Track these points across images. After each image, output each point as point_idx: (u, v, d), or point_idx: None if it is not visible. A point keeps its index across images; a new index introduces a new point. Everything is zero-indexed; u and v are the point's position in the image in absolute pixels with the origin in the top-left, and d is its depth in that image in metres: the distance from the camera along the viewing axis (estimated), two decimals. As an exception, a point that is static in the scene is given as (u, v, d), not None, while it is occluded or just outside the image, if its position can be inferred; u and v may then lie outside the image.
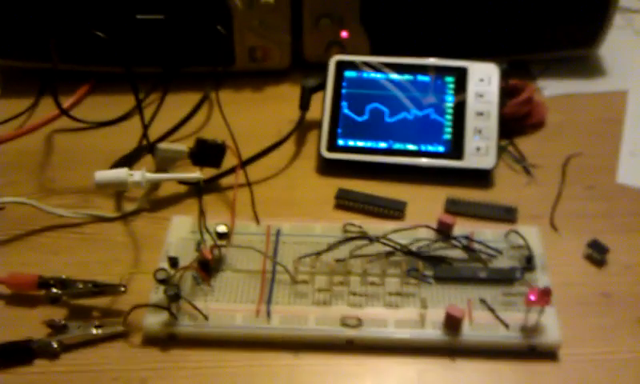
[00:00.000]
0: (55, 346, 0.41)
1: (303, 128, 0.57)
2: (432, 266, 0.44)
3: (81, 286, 0.43)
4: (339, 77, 0.55)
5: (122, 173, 0.47)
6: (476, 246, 0.46)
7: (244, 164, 0.51)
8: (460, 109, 0.53)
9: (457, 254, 0.45)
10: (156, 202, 0.51)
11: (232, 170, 0.51)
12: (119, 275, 0.44)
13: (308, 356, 0.41)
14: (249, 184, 0.50)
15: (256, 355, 0.41)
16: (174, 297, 0.41)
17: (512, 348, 0.41)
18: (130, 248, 0.48)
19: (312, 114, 0.56)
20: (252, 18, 0.58)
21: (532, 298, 0.40)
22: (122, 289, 0.43)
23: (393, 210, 0.49)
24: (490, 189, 0.52)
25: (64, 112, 0.56)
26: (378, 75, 0.55)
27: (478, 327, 0.42)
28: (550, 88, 0.61)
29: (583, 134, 0.57)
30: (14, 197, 0.50)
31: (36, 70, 0.60)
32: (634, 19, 0.70)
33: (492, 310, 0.42)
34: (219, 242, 0.45)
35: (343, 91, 0.55)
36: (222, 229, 0.45)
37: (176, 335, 0.42)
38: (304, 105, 0.55)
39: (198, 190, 0.50)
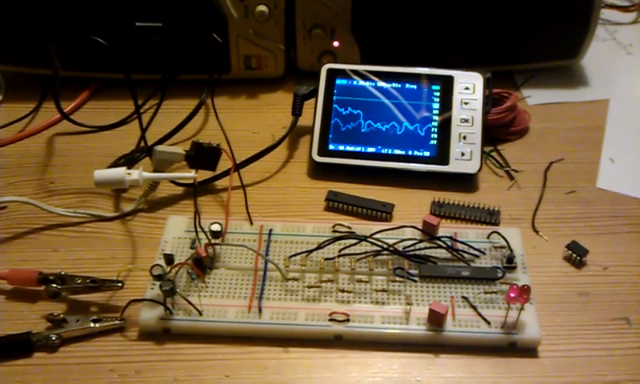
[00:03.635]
0: (54, 339, 0.42)
1: (296, 133, 0.58)
2: (417, 265, 0.46)
3: (80, 281, 0.45)
4: (330, 84, 0.57)
5: (119, 171, 0.48)
6: (459, 246, 0.47)
7: (238, 167, 0.53)
8: (446, 116, 0.55)
9: (441, 253, 0.47)
10: (153, 203, 0.53)
11: (227, 173, 0.53)
12: (117, 272, 0.45)
13: (297, 350, 0.43)
14: (243, 186, 0.52)
15: (247, 349, 0.43)
16: (169, 292, 0.43)
17: (493, 344, 0.43)
18: (128, 246, 0.49)
19: (304, 119, 0.57)
20: (247, 27, 0.60)
21: (512, 294, 0.41)
22: (119, 285, 0.44)
23: (381, 212, 0.51)
24: (474, 192, 0.54)
25: (65, 116, 0.58)
26: (368, 83, 0.57)
27: (461, 323, 0.43)
28: (534, 97, 0.63)
29: (565, 140, 0.58)
30: (16, 196, 0.51)
31: (38, 75, 0.62)
32: (615, 31, 0.72)
33: (474, 308, 0.44)
34: (213, 241, 0.46)
35: (334, 98, 0.56)
36: (216, 227, 0.46)
37: (171, 329, 0.43)
38: (296, 111, 0.57)
39: (193, 190, 0.51)
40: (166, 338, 0.43)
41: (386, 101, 0.56)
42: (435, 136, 0.55)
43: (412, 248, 0.47)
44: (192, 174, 0.49)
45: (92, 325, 0.43)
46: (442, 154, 0.54)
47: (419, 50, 0.61)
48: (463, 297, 0.44)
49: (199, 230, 0.46)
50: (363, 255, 0.46)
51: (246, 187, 0.52)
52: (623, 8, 0.74)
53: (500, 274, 0.45)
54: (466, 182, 0.54)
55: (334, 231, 0.49)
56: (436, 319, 0.43)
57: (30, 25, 0.59)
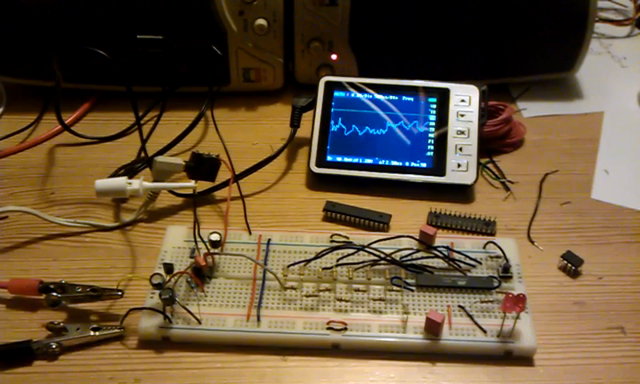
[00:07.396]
0: (54, 347, 0.43)
1: (294, 144, 0.59)
2: (414, 275, 0.46)
3: (80, 290, 0.45)
4: (328, 97, 0.57)
5: (120, 181, 0.48)
6: (456, 255, 0.48)
7: (237, 177, 0.53)
8: (442, 128, 0.56)
9: (438, 263, 0.47)
10: (152, 213, 0.53)
11: (226, 183, 0.53)
12: (117, 281, 0.45)
13: (295, 358, 0.43)
14: (242, 196, 0.52)
15: (246, 357, 0.43)
16: (169, 301, 0.43)
17: (489, 352, 0.43)
18: (128, 255, 0.49)
19: (302, 131, 0.58)
20: (246, 40, 0.61)
21: (508, 303, 0.42)
22: (119, 293, 0.45)
23: (378, 222, 0.51)
24: (470, 203, 0.54)
25: (66, 127, 0.58)
26: (365, 95, 0.58)
27: (457, 332, 0.43)
28: (529, 109, 0.63)
29: (560, 152, 0.59)
30: (17, 206, 0.51)
31: (40, 87, 0.63)
32: (609, 45, 0.73)
33: (470, 316, 0.44)
34: (212, 250, 0.47)
35: (332, 110, 0.57)
36: (215, 237, 0.47)
37: (170, 337, 0.43)
38: (295, 123, 0.58)
39: (192, 200, 0.52)
40: (165, 346, 0.43)
41: (383, 113, 0.57)
42: (432, 147, 0.55)
43: (409, 258, 0.47)
44: (192, 183, 0.49)
45: (92, 333, 0.43)
46: (438, 165, 0.54)
47: (416, 63, 0.61)
48: (460, 306, 0.45)
49: (198, 239, 0.47)
50: (361, 265, 0.47)
51: (245, 198, 0.52)
52: (617, 22, 0.75)
53: (496, 284, 0.46)
54: (462, 193, 0.55)
55: (332, 241, 0.49)
56: (433, 328, 0.43)
57: (32, 37, 0.59)
